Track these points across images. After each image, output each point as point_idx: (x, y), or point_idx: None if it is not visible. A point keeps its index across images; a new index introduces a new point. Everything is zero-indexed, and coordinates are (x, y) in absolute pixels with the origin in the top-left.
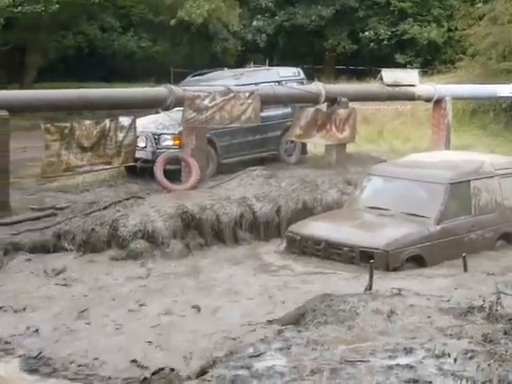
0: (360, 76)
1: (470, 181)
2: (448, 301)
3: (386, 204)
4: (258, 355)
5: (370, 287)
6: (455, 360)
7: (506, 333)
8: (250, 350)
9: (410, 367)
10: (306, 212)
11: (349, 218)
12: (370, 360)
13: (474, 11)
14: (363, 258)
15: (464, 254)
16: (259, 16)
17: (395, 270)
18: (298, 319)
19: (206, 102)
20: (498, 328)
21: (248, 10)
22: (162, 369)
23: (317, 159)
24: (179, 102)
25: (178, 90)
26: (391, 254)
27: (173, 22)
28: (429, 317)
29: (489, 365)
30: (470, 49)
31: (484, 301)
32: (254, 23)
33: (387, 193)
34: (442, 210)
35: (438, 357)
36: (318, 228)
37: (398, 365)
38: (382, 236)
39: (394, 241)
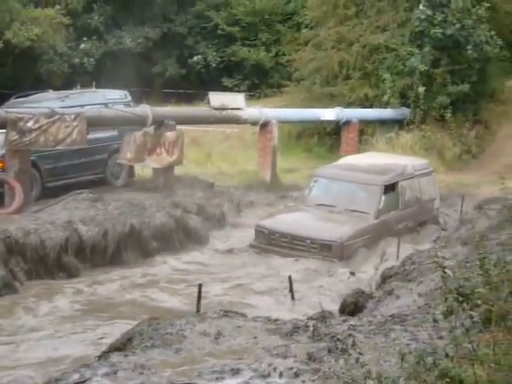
0: (188, 99)
1: (398, 182)
2: (274, 321)
3: (332, 202)
4: (84, 381)
5: (198, 309)
6: (281, 379)
7: (329, 350)
8: (75, 377)
9: None
10: (133, 235)
11: (307, 215)
12: (197, 382)
13: (300, 36)
14: (323, 249)
15: (289, 275)
16: (86, 39)
17: (348, 258)
18: (125, 344)
19: (30, 124)
20: (321, 346)
21: (75, 30)
22: None
23: (144, 182)
24: (2, 124)
25: (0, 111)
26: (346, 245)
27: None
28: (255, 337)
29: (313, 382)
30: (295, 73)
31: (308, 320)
32: (82, 46)
33: (332, 192)
34: (378, 207)
35: (264, 377)
36: (283, 223)
37: None
38: (337, 231)
39: (347, 235)
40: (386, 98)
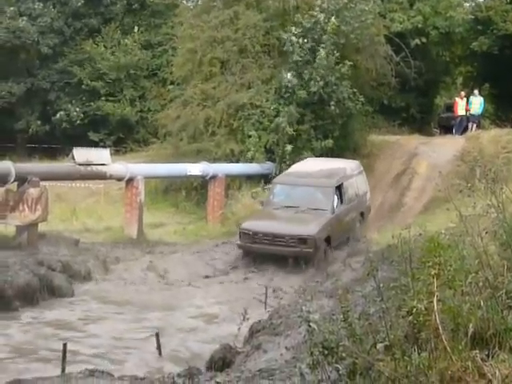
0: (53, 155)
1: (343, 183)
2: (141, 379)
3: (295, 203)
4: None
5: (63, 369)
6: None
7: None
8: None
9: None
10: None
11: (280, 216)
12: None
13: (166, 92)
14: (300, 242)
15: (157, 332)
16: None
17: (318, 248)
18: None
19: None
20: None
21: None
22: None
23: (7, 240)
24: None
25: None
26: (318, 238)
27: None
28: None
29: None
30: (162, 130)
31: (176, 377)
32: None
33: (294, 196)
34: (333, 204)
35: None
36: (264, 225)
37: None
38: (309, 226)
39: (318, 229)
40: (250, 153)
